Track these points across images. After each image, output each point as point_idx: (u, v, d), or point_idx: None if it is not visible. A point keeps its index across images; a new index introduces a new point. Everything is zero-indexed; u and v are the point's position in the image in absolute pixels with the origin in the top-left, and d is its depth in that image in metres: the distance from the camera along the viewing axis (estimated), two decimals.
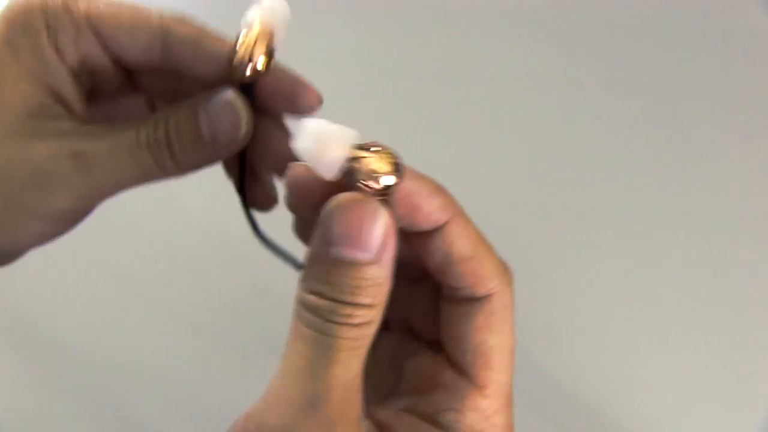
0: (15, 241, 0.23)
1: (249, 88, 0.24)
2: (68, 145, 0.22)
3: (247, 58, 0.23)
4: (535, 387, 0.47)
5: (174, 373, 0.47)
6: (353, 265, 0.18)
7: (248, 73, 0.23)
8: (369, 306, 0.18)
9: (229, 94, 0.23)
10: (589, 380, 0.47)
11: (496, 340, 0.23)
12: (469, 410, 0.21)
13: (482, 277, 0.21)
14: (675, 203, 0.55)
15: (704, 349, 0.49)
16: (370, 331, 0.19)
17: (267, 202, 0.29)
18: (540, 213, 0.54)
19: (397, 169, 0.19)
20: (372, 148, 0.19)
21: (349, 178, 0.18)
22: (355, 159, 0.18)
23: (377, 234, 0.18)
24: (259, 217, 0.28)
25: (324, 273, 0.18)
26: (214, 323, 0.48)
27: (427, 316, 0.24)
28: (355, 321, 0.18)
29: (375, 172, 0.18)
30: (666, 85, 0.62)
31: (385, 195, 0.19)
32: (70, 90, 0.24)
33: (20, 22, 0.23)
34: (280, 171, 0.25)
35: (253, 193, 0.28)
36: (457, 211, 0.21)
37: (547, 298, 0.50)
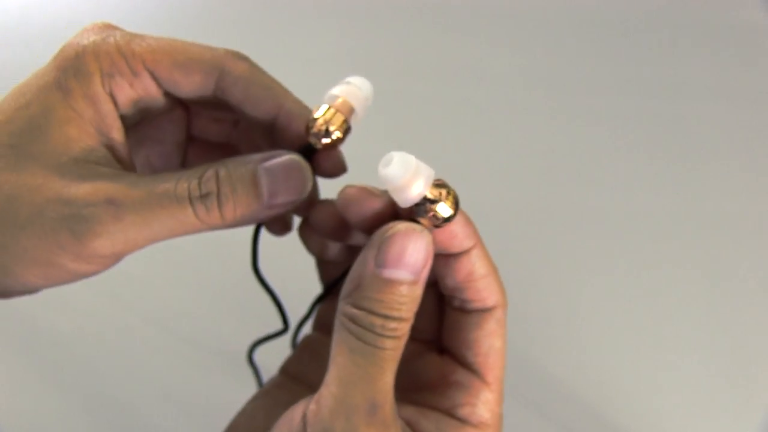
0: (47, 278, 0.22)
1: (309, 153, 0.24)
2: (104, 191, 0.22)
3: (323, 130, 0.23)
4: (535, 387, 0.47)
5: (174, 373, 0.47)
6: (401, 284, 0.21)
7: (321, 145, 0.24)
8: (407, 320, 0.21)
9: (296, 158, 0.24)
10: (589, 380, 0.47)
11: (500, 343, 0.25)
12: (481, 403, 0.24)
13: (493, 292, 0.25)
14: (675, 203, 0.55)
15: (704, 349, 0.49)
16: (404, 342, 0.22)
17: (283, 229, 0.30)
18: (540, 213, 0.54)
19: (458, 207, 0.22)
20: (441, 186, 0.22)
21: (419, 209, 0.21)
22: (430, 196, 0.21)
23: (422, 258, 0.21)
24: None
25: (375, 291, 0.21)
26: (214, 323, 0.48)
27: (430, 320, 0.27)
28: (398, 333, 0.21)
29: (440, 211, 0.21)
30: (666, 85, 0.62)
31: (438, 227, 0.22)
32: (118, 134, 0.24)
33: (72, 66, 0.23)
34: (301, 208, 0.27)
35: (272, 220, 0.28)
36: (479, 238, 0.24)
37: (547, 298, 0.50)
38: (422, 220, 0.22)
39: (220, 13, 0.66)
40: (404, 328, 0.21)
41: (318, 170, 0.26)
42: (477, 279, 0.24)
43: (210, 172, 0.23)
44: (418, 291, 0.21)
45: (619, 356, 0.48)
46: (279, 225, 0.30)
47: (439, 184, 0.22)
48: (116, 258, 0.23)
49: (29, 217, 0.21)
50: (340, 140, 0.24)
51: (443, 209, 0.21)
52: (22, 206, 0.21)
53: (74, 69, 0.23)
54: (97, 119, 0.23)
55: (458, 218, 0.23)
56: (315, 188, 0.27)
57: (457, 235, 0.23)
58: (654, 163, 0.57)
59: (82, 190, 0.22)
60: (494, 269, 0.25)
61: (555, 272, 0.52)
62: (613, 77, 0.62)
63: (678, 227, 0.54)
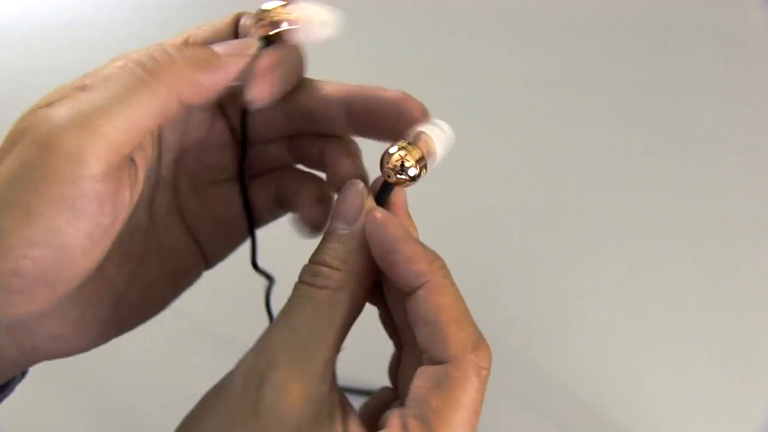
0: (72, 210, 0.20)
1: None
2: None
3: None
4: (535, 387, 0.47)
5: (174, 373, 0.47)
6: (333, 233, 0.23)
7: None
8: (340, 270, 0.22)
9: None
10: (589, 380, 0.47)
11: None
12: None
13: (451, 342, 0.22)
14: (675, 203, 0.55)
15: (704, 349, 0.49)
16: (345, 298, 0.22)
17: (319, 226, 0.28)
18: (540, 212, 0.54)
19: (422, 168, 0.23)
20: (412, 144, 0.23)
21: (384, 160, 0.23)
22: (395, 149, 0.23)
23: (352, 209, 0.23)
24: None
25: (319, 243, 0.23)
26: (214, 323, 0.48)
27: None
28: (328, 283, 0.22)
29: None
30: (666, 85, 0.62)
31: (401, 184, 0.23)
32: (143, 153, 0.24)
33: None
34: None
35: (312, 213, 0.27)
36: (439, 272, 0.23)
37: (547, 298, 0.50)
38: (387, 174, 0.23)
39: (221, 13, 0.65)
40: (336, 279, 0.22)
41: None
42: (426, 324, 0.21)
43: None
44: (351, 244, 0.22)
45: (619, 356, 0.48)
46: (320, 221, 0.28)
47: (411, 143, 0.23)
48: (111, 164, 0.20)
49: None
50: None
51: (404, 164, 0.22)
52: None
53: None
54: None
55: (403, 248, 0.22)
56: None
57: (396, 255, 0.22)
58: (654, 162, 0.57)
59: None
60: (458, 313, 0.22)
61: (555, 272, 0.52)
62: (613, 77, 0.62)
63: (678, 227, 0.54)
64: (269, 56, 0.23)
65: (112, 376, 0.47)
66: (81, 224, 0.20)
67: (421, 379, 0.21)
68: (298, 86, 0.25)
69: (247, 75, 0.23)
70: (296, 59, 0.25)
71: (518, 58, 0.63)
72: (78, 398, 0.46)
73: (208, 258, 0.29)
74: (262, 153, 0.27)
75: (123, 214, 0.22)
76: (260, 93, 0.23)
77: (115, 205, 0.21)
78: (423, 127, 0.24)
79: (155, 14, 0.67)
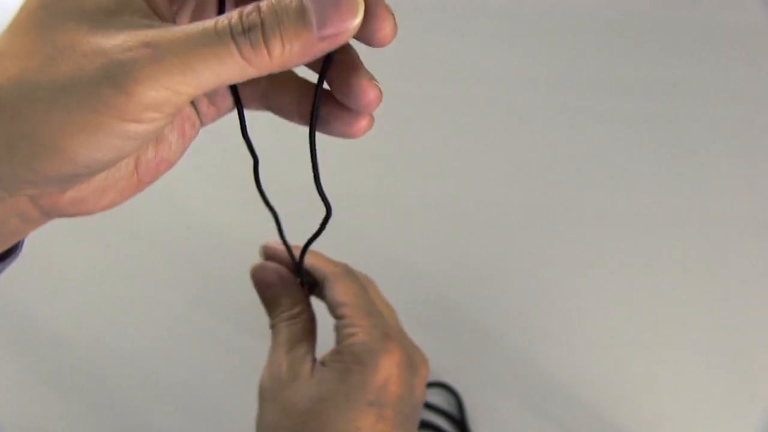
0: (98, 147, 0.20)
1: None
2: (141, 36, 0.20)
3: None
4: (535, 387, 0.47)
5: (175, 373, 0.47)
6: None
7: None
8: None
9: None
10: (589, 380, 0.47)
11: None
12: (342, 329, 0.34)
13: None
14: (675, 203, 0.55)
15: (704, 349, 0.49)
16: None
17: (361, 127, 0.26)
18: (539, 212, 0.54)
19: None
20: None
21: None
22: None
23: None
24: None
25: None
26: (214, 324, 0.48)
27: None
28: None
29: None
30: (666, 85, 0.62)
31: None
32: None
33: None
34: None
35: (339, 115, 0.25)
36: None
37: (548, 298, 0.50)
38: None
39: None
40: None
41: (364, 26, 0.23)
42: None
43: (251, 5, 0.20)
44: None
45: (619, 356, 0.48)
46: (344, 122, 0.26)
47: None
48: (164, 112, 0.21)
49: (68, 75, 0.20)
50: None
51: None
52: (60, 65, 0.20)
53: None
54: None
55: None
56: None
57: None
58: (654, 162, 0.57)
59: (118, 38, 0.20)
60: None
61: (555, 272, 0.52)
62: (613, 77, 0.62)
63: (678, 227, 0.54)
64: None
65: (112, 376, 0.47)
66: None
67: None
68: None
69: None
70: None
71: (517, 57, 0.63)
72: (78, 398, 0.46)
73: (203, 121, 0.28)
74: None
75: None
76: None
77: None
78: None
79: None
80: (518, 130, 0.59)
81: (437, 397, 0.46)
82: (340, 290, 0.34)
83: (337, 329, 0.33)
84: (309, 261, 0.35)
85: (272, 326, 0.35)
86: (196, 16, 0.26)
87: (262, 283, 0.36)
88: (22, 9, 0.21)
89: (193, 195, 0.53)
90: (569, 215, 0.54)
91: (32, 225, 0.24)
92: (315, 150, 0.25)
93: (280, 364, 0.33)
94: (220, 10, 0.25)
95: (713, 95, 0.61)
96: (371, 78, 0.25)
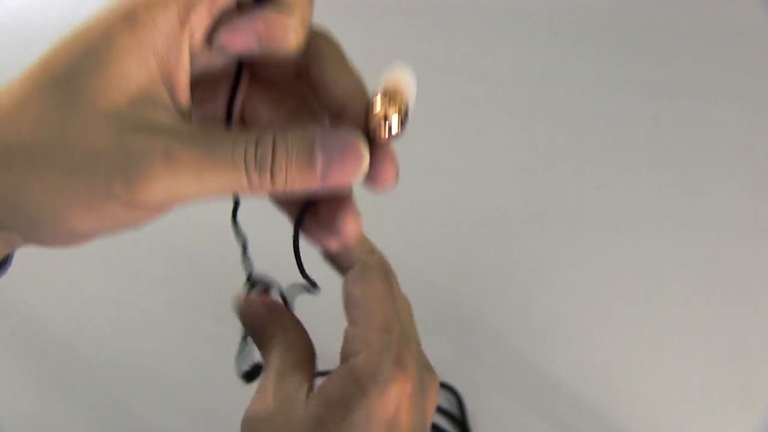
0: (96, 225, 0.22)
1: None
2: (162, 144, 0.21)
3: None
4: (535, 387, 0.47)
5: (174, 373, 0.47)
6: None
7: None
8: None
9: (356, 139, 0.23)
10: (589, 380, 0.47)
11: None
12: (349, 341, 0.27)
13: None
14: (675, 203, 0.55)
15: (704, 349, 0.49)
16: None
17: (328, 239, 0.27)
18: (540, 212, 0.54)
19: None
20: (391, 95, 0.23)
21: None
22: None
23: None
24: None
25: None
26: (215, 324, 0.48)
27: None
28: None
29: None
30: (666, 85, 0.62)
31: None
32: (183, 74, 0.23)
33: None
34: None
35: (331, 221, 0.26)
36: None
37: (548, 298, 0.50)
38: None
39: None
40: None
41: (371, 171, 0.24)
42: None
43: (267, 138, 0.22)
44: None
45: (619, 356, 0.48)
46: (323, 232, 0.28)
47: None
48: (165, 209, 0.22)
49: (83, 160, 0.21)
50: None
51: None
52: (75, 147, 0.21)
53: (146, 0, 0.21)
54: (163, 54, 0.22)
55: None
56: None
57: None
58: (654, 162, 0.57)
59: (140, 141, 0.21)
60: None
61: (555, 272, 0.52)
62: (613, 77, 0.62)
63: (678, 227, 0.54)
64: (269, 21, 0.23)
65: (112, 376, 0.47)
66: None
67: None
68: (322, 61, 0.25)
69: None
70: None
71: (517, 57, 0.63)
72: (78, 398, 0.46)
73: None
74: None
75: None
76: (230, 42, 0.23)
77: None
78: (396, 77, 0.24)
79: None
80: (518, 130, 0.59)
81: (438, 397, 0.46)
82: (360, 288, 0.28)
83: (345, 336, 0.28)
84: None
85: (263, 356, 0.30)
86: (208, 91, 0.26)
87: (247, 318, 0.32)
88: (46, 66, 0.21)
89: None
90: (569, 215, 0.54)
91: (18, 247, 0.24)
92: (299, 252, 0.27)
93: (270, 394, 0.27)
94: (230, 108, 0.26)
95: (713, 95, 0.61)
96: (356, 213, 0.26)
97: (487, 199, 0.55)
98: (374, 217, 0.53)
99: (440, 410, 0.46)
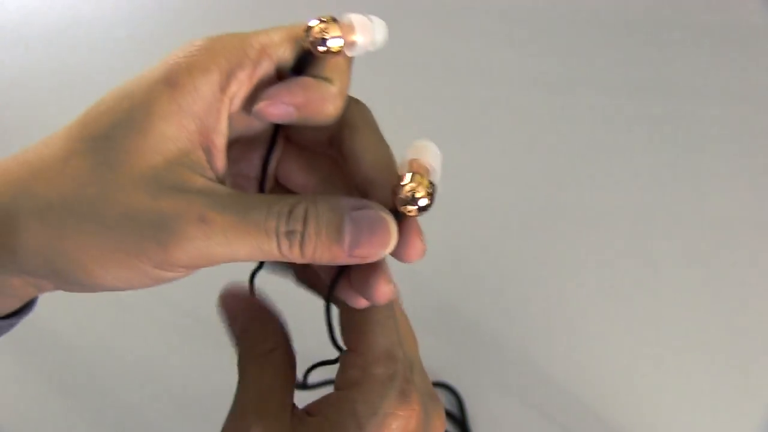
0: (125, 281, 0.23)
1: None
2: (197, 207, 0.21)
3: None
4: (535, 387, 0.47)
5: (175, 374, 0.47)
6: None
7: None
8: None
9: (385, 216, 0.23)
10: (589, 380, 0.47)
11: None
12: (348, 368, 0.26)
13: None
14: (675, 202, 0.55)
15: (704, 349, 0.49)
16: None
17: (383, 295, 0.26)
18: (540, 212, 0.54)
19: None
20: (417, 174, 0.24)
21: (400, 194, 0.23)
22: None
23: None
24: None
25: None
26: (215, 324, 0.48)
27: None
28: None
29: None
30: (666, 85, 0.62)
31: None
32: (220, 138, 0.23)
33: (186, 62, 0.22)
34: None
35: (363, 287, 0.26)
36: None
37: (548, 298, 0.50)
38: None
39: (223, 12, 0.66)
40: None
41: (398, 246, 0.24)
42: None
43: (299, 211, 0.22)
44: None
45: (619, 356, 0.48)
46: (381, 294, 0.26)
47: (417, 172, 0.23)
48: (194, 269, 0.23)
49: (118, 219, 0.21)
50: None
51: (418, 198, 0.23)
52: (112, 207, 0.21)
53: (188, 65, 0.22)
54: (202, 118, 0.22)
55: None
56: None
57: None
58: (654, 162, 0.57)
59: (174, 202, 0.21)
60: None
61: (555, 272, 0.52)
62: (613, 77, 0.62)
63: (678, 227, 0.54)
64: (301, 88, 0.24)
65: (113, 376, 0.47)
66: None
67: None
68: (350, 132, 0.25)
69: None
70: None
71: (517, 57, 0.63)
72: (78, 398, 0.46)
73: None
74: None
75: None
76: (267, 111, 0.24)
77: None
78: (421, 152, 0.24)
79: (155, 15, 0.67)
80: (519, 130, 0.59)
81: (444, 426, 0.46)
82: (359, 311, 0.26)
83: (343, 363, 0.26)
84: None
85: (238, 365, 0.28)
86: (244, 150, 0.27)
87: (227, 313, 0.31)
88: (87, 125, 0.22)
89: None
90: (569, 215, 0.54)
91: (45, 291, 0.25)
92: (331, 319, 0.27)
93: (249, 413, 0.25)
94: (264, 169, 0.27)
95: (713, 95, 0.61)
96: (389, 280, 0.25)
97: (486, 199, 0.55)
98: None
99: None
